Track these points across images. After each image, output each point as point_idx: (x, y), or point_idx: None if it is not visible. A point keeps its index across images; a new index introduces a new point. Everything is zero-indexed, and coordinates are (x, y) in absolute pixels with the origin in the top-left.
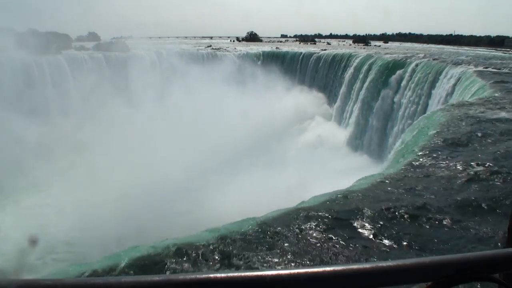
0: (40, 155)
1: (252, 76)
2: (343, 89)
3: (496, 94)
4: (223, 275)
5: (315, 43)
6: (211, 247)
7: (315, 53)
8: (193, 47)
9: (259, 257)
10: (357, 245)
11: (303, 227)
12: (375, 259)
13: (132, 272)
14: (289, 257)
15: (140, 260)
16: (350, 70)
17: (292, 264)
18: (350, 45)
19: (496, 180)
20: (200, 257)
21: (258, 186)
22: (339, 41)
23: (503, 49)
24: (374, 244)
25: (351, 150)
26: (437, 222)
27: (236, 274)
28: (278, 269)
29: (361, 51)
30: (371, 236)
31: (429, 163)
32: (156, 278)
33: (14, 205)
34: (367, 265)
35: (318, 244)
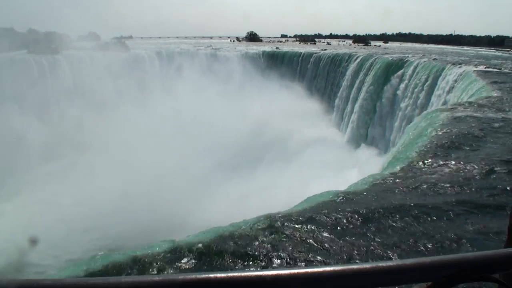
0: (40, 154)
1: (251, 76)
2: (343, 88)
3: (496, 94)
4: (223, 275)
5: (315, 43)
6: (210, 247)
7: (315, 53)
8: (193, 47)
9: (259, 257)
10: (357, 245)
11: (302, 227)
12: (375, 259)
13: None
14: (289, 257)
15: (139, 261)
16: (350, 70)
17: (292, 264)
18: (350, 45)
19: (495, 180)
20: (199, 258)
21: (258, 186)
22: (339, 41)
23: (503, 49)
24: (374, 245)
25: (351, 149)
26: (437, 222)
27: (236, 274)
28: (278, 269)
29: (361, 51)
30: (370, 236)
31: (428, 163)
32: (156, 278)
33: (14, 205)
34: (367, 265)
35: (318, 245)
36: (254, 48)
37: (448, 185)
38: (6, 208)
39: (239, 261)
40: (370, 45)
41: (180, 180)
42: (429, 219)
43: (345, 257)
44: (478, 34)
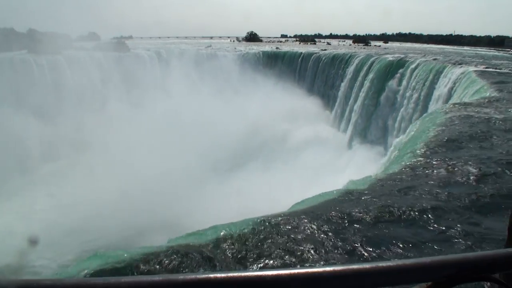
0: (40, 154)
1: (251, 76)
2: (343, 89)
3: (496, 94)
4: (223, 275)
5: (315, 43)
6: (208, 247)
7: (315, 53)
8: (193, 47)
9: (257, 257)
10: (356, 246)
11: (301, 227)
12: (374, 260)
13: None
14: (287, 257)
15: (139, 261)
16: (350, 70)
17: (291, 264)
18: (350, 45)
19: (495, 180)
20: (197, 258)
21: (257, 187)
22: (339, 41)
23: (503, 49)
24: (373, 245)
25: (351, 149)
26: (436, 222)
27: (236, 274)
28: (278, 269)
29: (361, 51)
30: (369, 237)
31: (428, 163)
32: (156, 278)
33: (14, 205)
34: (367, 265)
35: (317, 245)
36: (254, 48)
37: (447, 185)
38: (5, 208)
39: (237, 261)
40: (370, 45)
41: (179, 180)
42: (428, 219)
43: (344, 258)
44: (478, 34)
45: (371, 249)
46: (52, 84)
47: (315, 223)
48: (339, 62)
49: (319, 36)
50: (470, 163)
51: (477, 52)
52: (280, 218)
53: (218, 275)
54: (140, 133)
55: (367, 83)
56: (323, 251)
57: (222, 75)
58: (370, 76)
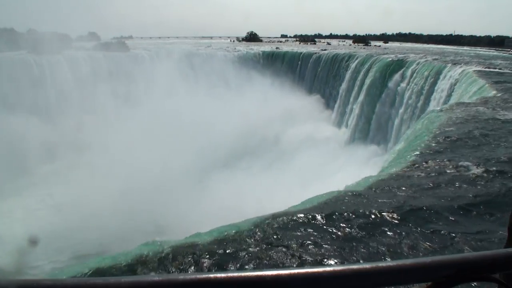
0: (40, 155)
1: (250, 76)
2: (343, 89)
3: (496, 94)
4: (223, 275)
5: (315, 43)
6: (206, 248)
7: (315, 53)
8: (193, 47)
9: (255, 258)
10: (355, 247)
11: (301, 228)
12: (373, 260)
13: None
14: (286, 258)
15: (137, 261)
16: (350, 70)
17: (291, 264)
18: (350, 45)
19: (496, 180)
20: (194, 259)
21: (257, 187)
22: (339, 41)
23: (503, 49)
24: (372, 246)
25: (351, 150)
26: (436, 223)
27: (236, 274)
28: (278, 269)
29: (361, 51)
30: (369, 238)
31: (428, 163)
32: (156, 278)
33: (14, 205)
34: (367, 265)
35: (316, 246)
36: (254, 48)
37: (447, 185)
38: (4, 208)
39: (237, 261)
40: (370, 45)
41: (177, 180)
42: (428, 220)
43: (343, 258)
44: (478, 34)
45: (369, 250)
46: (52, 84)
47: (315, 223)
48: (339, 62)
49: (319, 36)
50: (469, 163)
51: (477, 52)
52: (278, 219)
53: (218, 275)
54: (139, 133)
55: (367, 83)
56: (320, 252)
57: (221, 75)
58: (371, 76)
